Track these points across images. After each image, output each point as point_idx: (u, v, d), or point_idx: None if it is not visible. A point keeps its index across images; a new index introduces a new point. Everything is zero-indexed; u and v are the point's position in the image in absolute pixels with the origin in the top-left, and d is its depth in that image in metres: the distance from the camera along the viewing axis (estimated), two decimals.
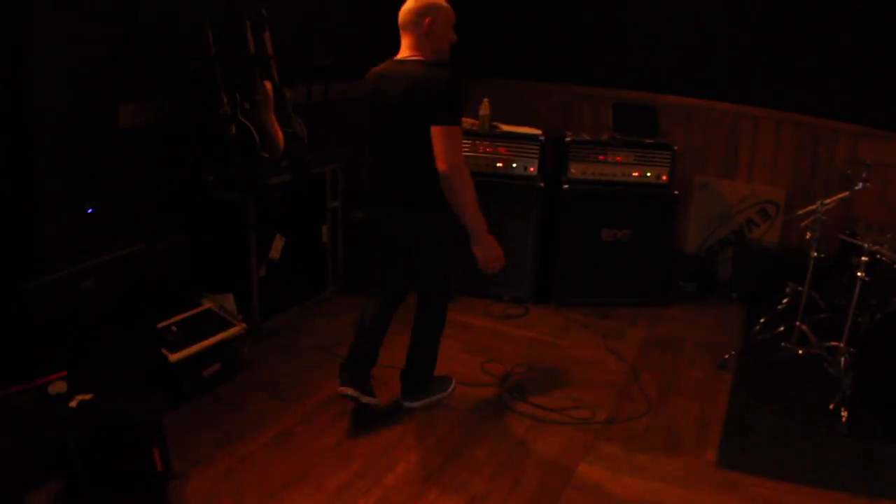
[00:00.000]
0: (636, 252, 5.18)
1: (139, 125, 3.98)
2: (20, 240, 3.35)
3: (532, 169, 5.08)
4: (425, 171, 3.25)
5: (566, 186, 5.05)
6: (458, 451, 3.50)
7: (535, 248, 5.17)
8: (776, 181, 5.66)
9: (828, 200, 4.18)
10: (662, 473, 3.38)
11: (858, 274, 3.94)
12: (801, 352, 4.25)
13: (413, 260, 3.64)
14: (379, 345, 3.77)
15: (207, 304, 4.11)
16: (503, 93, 6.10)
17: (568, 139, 5.09)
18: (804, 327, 4.33)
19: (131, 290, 3.60)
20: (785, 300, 4.59)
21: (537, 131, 5.17)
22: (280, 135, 4.39)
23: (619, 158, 5.10)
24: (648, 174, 5.13)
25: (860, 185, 4.11)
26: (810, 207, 4.22)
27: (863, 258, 3.95)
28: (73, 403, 2.93)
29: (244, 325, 4.09)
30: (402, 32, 3.38)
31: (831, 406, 3.84)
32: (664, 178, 5.13)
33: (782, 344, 4.36)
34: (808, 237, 4.25)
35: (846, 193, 4.20)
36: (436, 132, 3.18)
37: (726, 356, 4.40)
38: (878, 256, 3.97)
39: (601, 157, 5.09)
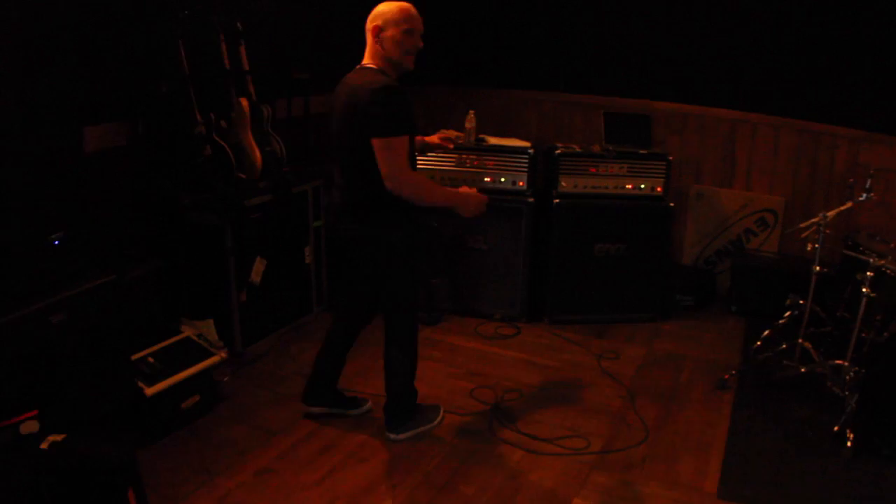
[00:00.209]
0: (631, 267, 5.03)
1: (107, 148, 3.84)
2: None
3: (521, 183, 4.94)
4: (372, 186, 3.16)
5: (557, 201, 4.89)
6: (447, 485, 3.35)
7: (527, 265, 5.03)
8: (775, 189, 5.52)
9: (830, 213, 4.02)
10: None
11: (863, 290, 3.79)
12: (803, 370, 4.11)
13: (369, 280, 3.56)
14: (339, 360, 3.77)
15: (186, 332, 3.99)
16: (489, 103, 6.00)
17: (558, 151, 4.94)
18: (806, 344, 4.18)
19: (104, 323, 3.45)
20: (786, 314, 4.44)
21: (526, 144, 5.03)
22: (258, 154, 4.27)
23: (611, 170, 4.96)
24: (642, 186, 4.98)
25: (864, 195, 3.96)
26: (812, 220, 4.07)
27: (868, 273, 3.80)
28: (44, 445, 2.82)
29: (224, 354, 3.96)
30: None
31: (836, 428, 3.69)
32: (659, 189, 4.99)
33: (784, 362, 4.21)
34: (808, 249, 4.11)
35: (849, 204, 4.05)
36: (374, 145, 3.09)
37: (726, 376, 4.25)
38: (884, 270, 3.81)
39: (593, 170, 4.95)
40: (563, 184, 4.94)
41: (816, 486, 3.36)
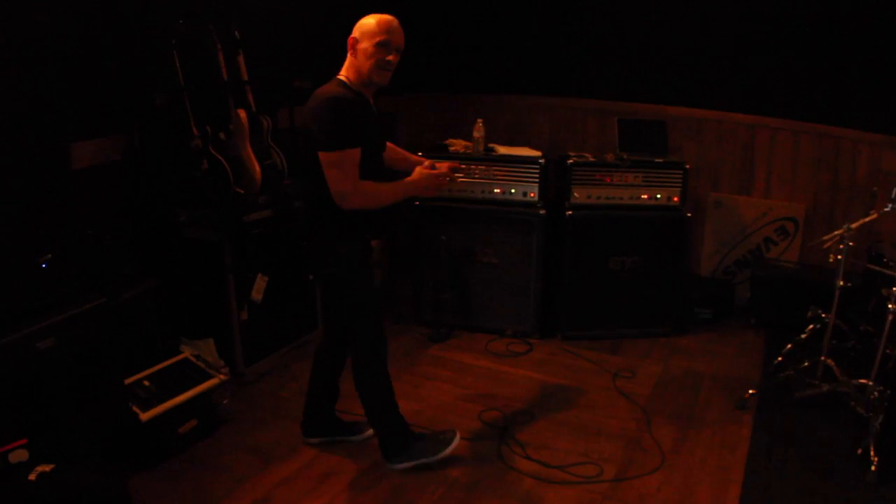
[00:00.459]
0: (647, 280, 4.86)
1: (100, 163, 3.72)
2: None
3: (532, 194, 4.77)
4: (321, 199, 3.07)
5: (570, 212, 4.73)
6: None
7: (539, 279, 4.87)
8: (795, 196, 5.33)
9: (854, 224, 3.84)
10: None
11: (889, 306, 3.60)
12: (825, 388, 3.93)
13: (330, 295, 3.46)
14: (331, 386, 3.66)
15: (185, 353, 3.87)
16: (499, 110, 5.86)
17: (570, 161, 4.77)
18: (829, 362, 4.01)
19: (95, 347, 3.33)
20: (808, 327, 4.28)
21: (537, 153, 4.87)
22: (257, 167, 4.13)
23: (626, 180, 4.78)
24: (658, 196, 4.81)
25: (889, 206, 3.77)
26: (836, 232, 3.89)
27: (894, 289, 3.62)
28: (32, 476, 2.74)
29: (223, 376, 3.83)
30: None
31: (859, 451, 3.51)
32: (675, 199, 4.81)
33: (806, 381, 4.03)
34: (831, 260, 3.94)
35: (874, 215, 3.86)
36: (321, 160, 2.99)
37: (745, 395, 4.07)
38: None
39: (607, 180, 4.78)
40: (576, 195, 4.78)
41: None
